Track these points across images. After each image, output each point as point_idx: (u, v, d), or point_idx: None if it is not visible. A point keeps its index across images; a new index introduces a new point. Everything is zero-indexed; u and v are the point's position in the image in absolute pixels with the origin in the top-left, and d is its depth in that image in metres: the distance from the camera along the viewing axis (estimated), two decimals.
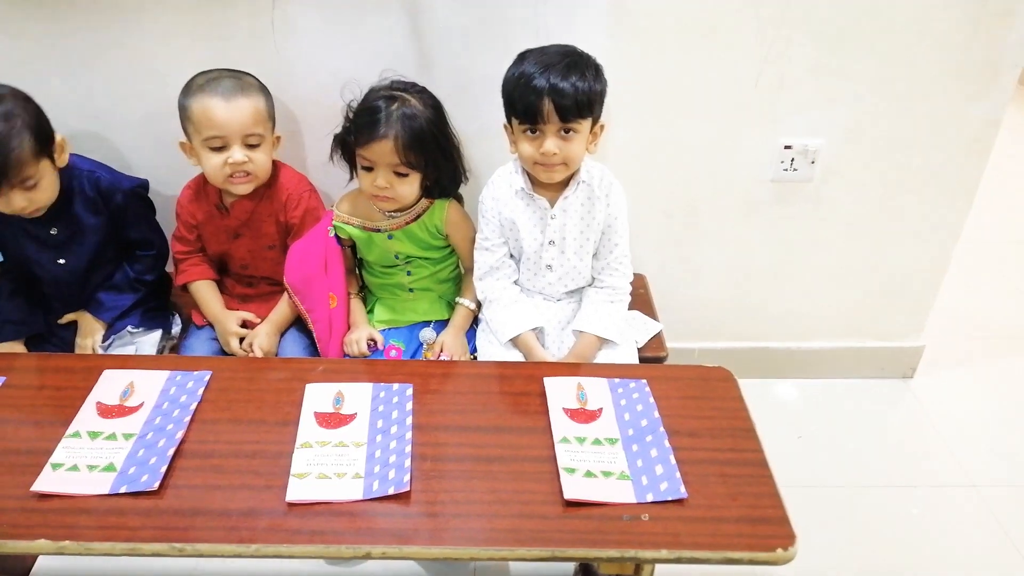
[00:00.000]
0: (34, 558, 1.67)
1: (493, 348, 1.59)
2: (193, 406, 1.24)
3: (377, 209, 1.60)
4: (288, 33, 1.69)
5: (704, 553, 1.04)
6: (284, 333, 1.66)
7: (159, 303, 1.74)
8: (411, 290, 1.68)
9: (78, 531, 1.04)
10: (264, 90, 1.58)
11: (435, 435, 1.21)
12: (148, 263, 1.68)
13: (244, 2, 1.66)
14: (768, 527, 1.07)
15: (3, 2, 1.64)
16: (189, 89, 1.54)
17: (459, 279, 1.74)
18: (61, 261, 1.61)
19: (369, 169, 1.53)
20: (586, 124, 1.45)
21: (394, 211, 1.59)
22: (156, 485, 1.09)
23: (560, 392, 1.28)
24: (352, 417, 1.23)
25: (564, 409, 1.25)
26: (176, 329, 1.74)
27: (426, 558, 1.47)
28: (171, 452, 1.14)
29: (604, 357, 1.58)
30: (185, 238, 1.69)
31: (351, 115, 1.54)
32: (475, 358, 1.63)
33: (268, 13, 1.67)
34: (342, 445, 1.17)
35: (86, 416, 1.21)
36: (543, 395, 1.29)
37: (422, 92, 1.52)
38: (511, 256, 1.63)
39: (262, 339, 1.61)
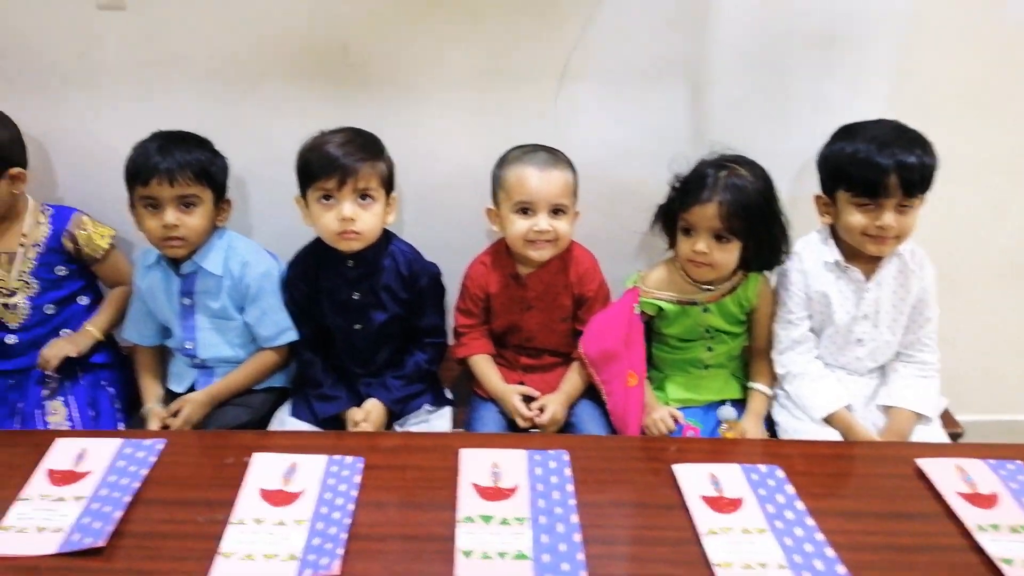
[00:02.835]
0: None
1: (799, 424, 1.55)
2: (570, 487, 1.21)
3: (690, 281, 1.58)
4: (569, 108, 1.72)
5: None
6: (575, 405, 1.63)
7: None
8: (707, 367, 1.64)
9: None
10: (572, 167, 1.59)
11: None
12: (436, 352, 1.66)
13: (531, 84, 1.70)
14: None
15: (291, 84, 1.69)
16: (505, 160, 1.59)
17: (743, 356, 1.70)
18: (357, 327, 1.60)
19: (689, 233, 1.52)
20: (921, 199, 1.44)
21: (707, 283, 1.57)
22: None
23: (946, 478, 1.23)
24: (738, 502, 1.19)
25: (959, 493, 1.20)
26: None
27: None
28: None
29: (914, 435, 1.52)
30: (470, 311, 1.68)
31: (677, 184, 1.55)
32: (774, 435, 1.58)
33: (554, 92, 1.70)
34: (746, 532, 1.13)
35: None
36: (923, 477, 1.24)
37: (752, 165, 1.51)
38: (811, 330, 1.60)
39: (557, 410, 1.57)
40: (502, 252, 1.65)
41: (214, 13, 1.64)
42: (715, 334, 1.61)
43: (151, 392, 1.63)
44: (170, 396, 1.65)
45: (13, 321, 1.64)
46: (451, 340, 1.74)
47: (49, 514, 1.15)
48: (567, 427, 1.60)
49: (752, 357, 1.67)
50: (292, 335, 1.62)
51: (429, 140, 1.73)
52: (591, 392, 1.64)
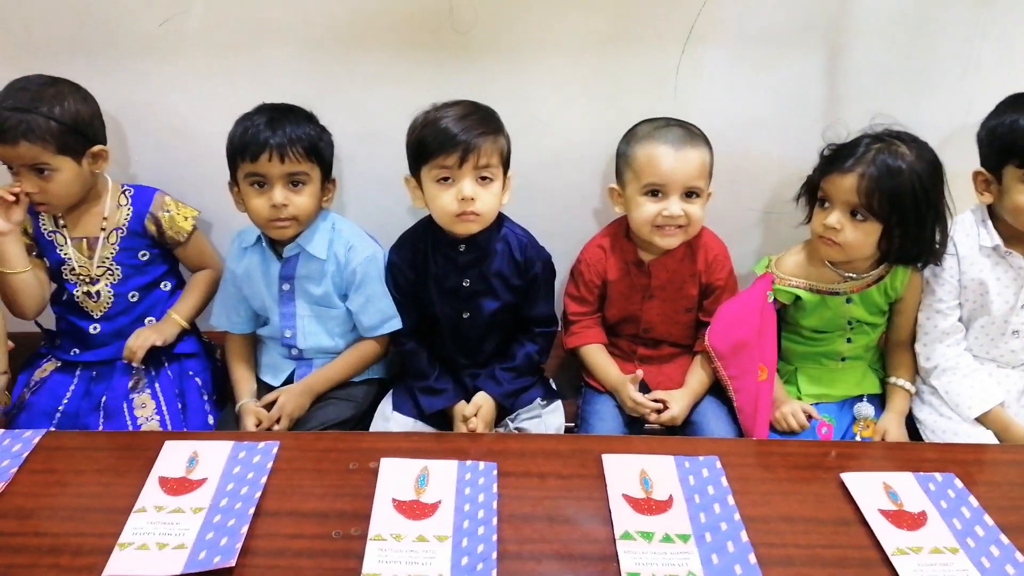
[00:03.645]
0: None
1: (947, 423, 1.42)
2: (731, 499, 1.09)
3: (831, 268, 1.44)
4: (691, 75, 1.57)
5: None
6: (700, 400, 1.51)
7: None
8: (843, 359, 1.51)
9: None
10: (709, 144, 1.46)
11: None
12: (546, 342, 1.54)
13: (652, 49, 1.55)
14: None
15: (390, 53, 1.56)
16: (633, 136, 1.46)
17: (879, 346, 1.57)
18: (466, 315, 1.49)
19: (824, 205, 1.39)
20: None
21: (844, 268, 1.44)
22: None
23: None
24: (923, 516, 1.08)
25: None
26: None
27: None
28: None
29: None
30: (584, 299, 1.55)
31: (828, 152, 1.42)
32: (914, 435, 1.46)
33: (676, 56, 1.55)
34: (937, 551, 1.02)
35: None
36: None
37: (921, 145, 1.36)
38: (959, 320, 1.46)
39: (683, 408, 1.46)
40: (620, 235, 1.53)
41: None
42: (856, 325, 1.48)
43: (245, 385, 1.53)
44: (263, 388, 1.55)
45: (96, 310, 1.54)
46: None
47: (168, 528, 1.06)
48: (688, 426, 1.49)
49: (892, 349, 1.53)
50: (396, 324, 1.50)
51: (538, 112, 1.59)
52: (713, 388, 1.53)
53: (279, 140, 1.36)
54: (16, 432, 1.26)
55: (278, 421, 1.44)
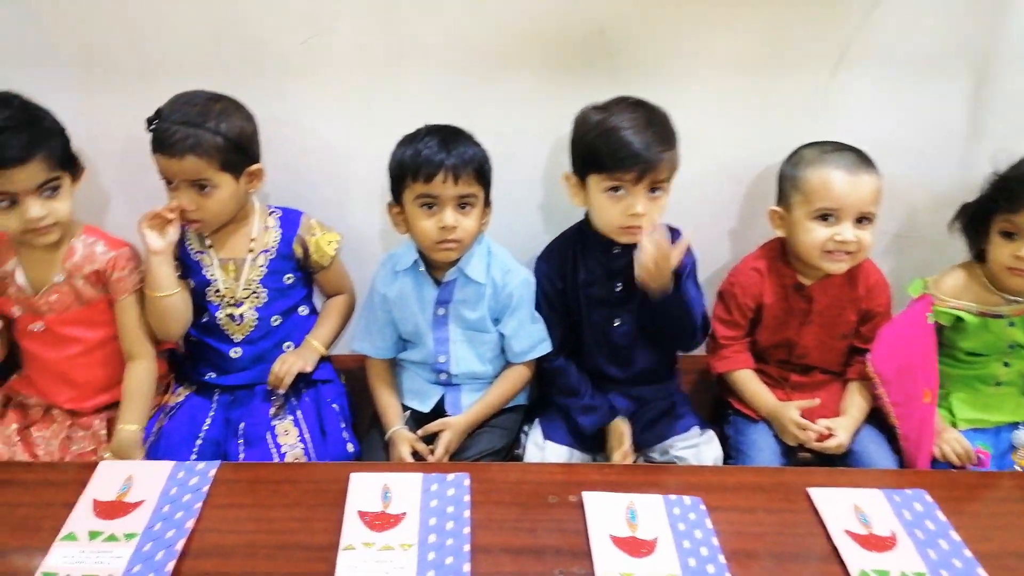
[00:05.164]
0: None
1: None
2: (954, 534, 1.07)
3: (994, 291, 1.43)
4: (838, 99, 1.56)
5: None
6: (860, 429, 1.48)
7: None
8: (999, 383, 1.49)
9: None
10: (878, 170, 1.43)
11: None
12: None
13: (802, 72, 1.54)
14: None
15: (536, 74, 1.53)
16: (801, 159, 1.44)
17: None
18: (617, 323, 1.46)
19: (1012, 237, 1.38)
20: None
21: (1015, 293, 1.43)
22: None
23: None
24: None
25: None
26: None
27: None
28: None
29: None
30: (735, 322, 1.52)
31: (996, 181, 1.41)
32: None
33: (825, 82, 1.54)
34: None
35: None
36: None
37: None
38: None
39: (847, 436, 1.42)
40: (777, 258, 1.50)
41: None
42: (1016, 349, 1.47)
43: (394, 411, 1.48)
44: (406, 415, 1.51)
45: (237, 333, 1.50)
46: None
47: (381, 567, 1.01)
48: (847, 455, 1.44)
49: None
50: (546, 347, 1.47)
51: (684, 132, 1.56)
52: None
53: (453, 161, 1.33)
54: (188, 464, 1.21)
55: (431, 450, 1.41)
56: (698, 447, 1.47)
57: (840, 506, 1.12)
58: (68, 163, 1.36)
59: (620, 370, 1.50)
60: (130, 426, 1.40)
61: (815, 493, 1.14)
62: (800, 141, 1.51)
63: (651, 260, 1.26)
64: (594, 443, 1.47)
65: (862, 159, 1.41)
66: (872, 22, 1.49)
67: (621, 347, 1.48)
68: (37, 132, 1.31)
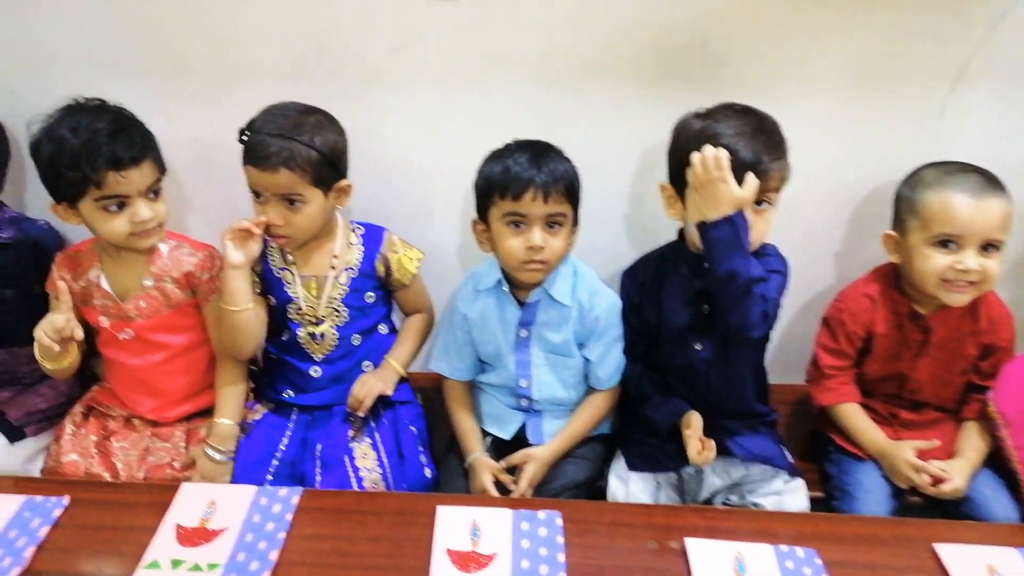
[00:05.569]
0: None
1: None
2: None
3: None
4: (957, 117, 1.45)
5: None
6: (977, 473, 1.36)
7: None
8: None
9: None
10: (1008, 193, 1.32)
11: None
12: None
13: (916, 87, 1.44)
14: None
15: (631, 86, 1.46)
16: (920, 181, 1.34)
17: None
18: (697, 347, 1.37)
19: None
20: None
21: None
22: None
23: None
24: None
25: None
26: None
27: None
28: None
29: None
30: (843, 351, 1.42)
31: None
32: None
33: (943, 96, 1.44)
34: None
35: None
36: None
37: None
38: None
39: (966, 477, 1.31)
40: (890, 284, 1.40)
41: (557, 5, 1.41)
42: None
43: (473, 436, 1.42)
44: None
45: (318, 352, 1.46)
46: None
47: None
48: (963, 501, 1.33)
49: None
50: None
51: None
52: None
53: (544, 179, 1.27)
54: (270, 490, 1.18)
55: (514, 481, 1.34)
56: (781, 495, 1.35)
57: (972, 566, 1.02)
58: (163, 167, 1.37)
59: (699, 400, 1.38)
60: (226, 420, 1.41)
61: (942, 550, 1.04)
62: (913, 161, 1.41)
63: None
64: (676, 454, 1.35)
65: (989, 181, 1.30)
66: (998, 34, 1.38)
67: (701, 375, 1.39)
68: (145, 134, 1.33)
